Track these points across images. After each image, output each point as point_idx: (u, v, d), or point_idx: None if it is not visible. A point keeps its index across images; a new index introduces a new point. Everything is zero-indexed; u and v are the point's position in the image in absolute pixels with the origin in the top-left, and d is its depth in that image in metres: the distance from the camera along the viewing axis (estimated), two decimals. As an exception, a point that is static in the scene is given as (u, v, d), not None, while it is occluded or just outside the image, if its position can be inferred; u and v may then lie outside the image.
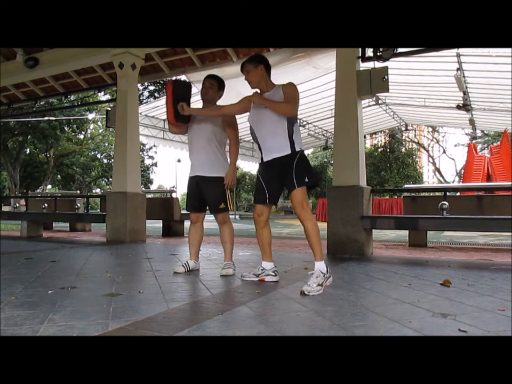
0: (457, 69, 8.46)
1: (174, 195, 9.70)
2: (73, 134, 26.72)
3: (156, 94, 21.62)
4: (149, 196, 9.40)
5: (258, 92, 2.77)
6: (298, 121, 2.74)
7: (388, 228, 4.82)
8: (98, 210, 12.36)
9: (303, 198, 2.58)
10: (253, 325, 1.76)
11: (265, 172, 2.74)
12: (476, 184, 10.27)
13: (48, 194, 14.82)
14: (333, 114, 4.97)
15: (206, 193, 3.09)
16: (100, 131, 29.96)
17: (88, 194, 25.41)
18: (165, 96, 15.11)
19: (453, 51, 7.78)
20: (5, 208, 13.16)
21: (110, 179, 26.39)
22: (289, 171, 2.58)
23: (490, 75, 8.94)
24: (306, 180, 2.58)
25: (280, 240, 6.48)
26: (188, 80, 3.04)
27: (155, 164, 34.46)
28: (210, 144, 3.07)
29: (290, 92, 2.63)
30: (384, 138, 28.54)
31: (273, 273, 2.79)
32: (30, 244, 5.74)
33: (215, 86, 3.14)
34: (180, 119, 3.09)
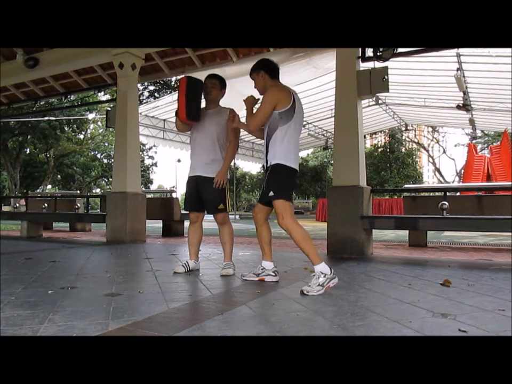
0: (457, 69, 8.46)
1: (174, 195, 9.71)
2: (73, 134, 26.73)
3: (156, 94, 21.63)
4: (149, 196, 9.39)
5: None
6: (289, 124, 2.58)
7: (387, 228, 4.83)
8: (98, 210, 12.36)
9: (282, 209, 2.55)
10: (253, 325, 1.76)
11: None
12: (476, 184, 10.26)
13: (48, 194, 14.82)
14: (333, 114, 4.97)
15: (205, 193, 3.08)
16: (100, 131, 29.96)
17: (88, 194, 25.41)
18: (165, 96, 14.91)
19: (453, 51, 7.78)
20: (5, 208, 13.14)
21: (110, 179, 26.39)
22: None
23: (490, 75, 8.94)
24: (271, 193, 2.56)
25: (280, 240, 6.47)
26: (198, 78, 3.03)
27: (155, 164, 34.46)
28: (214, 145, 3.06)
29: (261, 103, 2.64)
30: (384, 138, 28.51)
31: (273, 273, 2.79)
32: (30, 243, 5.74)
33: (217, 85, 3.14)
34: (191, 117, 3.06)
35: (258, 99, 2.76)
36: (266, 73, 2.72)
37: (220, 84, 3.15)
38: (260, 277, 2.79)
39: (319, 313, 1.94)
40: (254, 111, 2.71)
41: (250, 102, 2.75)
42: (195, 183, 3.12)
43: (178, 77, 6.86)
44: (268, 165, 2.62)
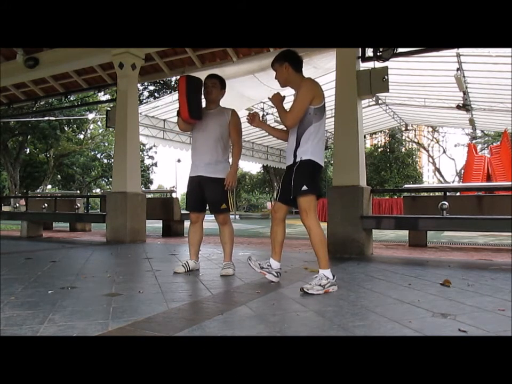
0: (457, 69, 8.46)
1: (174, 195, 9.70)
2: (73, 134, 26.69)
3: (156, 94, 21.64)
4: (149, 195, 9.39)
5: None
6: (321, 122, 2.55)
7: (388, 228, 4.82)
8: (98, 210, 12.36)
9: (306, 206, 2.51)
10: (253, 325, 1.76)
11: (284, 174, 2.73)
12: (476, 184, 10.26)
13: (48, 194, 14.81)
14: (333, 114, 4.97)
15: (208, 193, 3.09)
16: (100, 131, 29.93)
17: (88, 194, 25.40)
18: (165, 96, 14.88)
19: (453, 51, 7.79)
20: (5, 208, 13.14)
21: (110, 179, 26.38)
22: (290, 179, 2.56)
23: (490, 75, 8.94)
24: (305, 188, 2.50)
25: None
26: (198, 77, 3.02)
27: (155, 164, 34.43)
28: (217, 146, 3.06)
29: (296, 97, 2.55)
30: (384, 138, 28.50)
31: (275, 273, 2.76)
32: (30, 243, 5.74)
33: (217, 85, 3.13)
34: (193, 116, 3.03)
35: (285, 96, 2.68)
36: (290, 65, 2.61)
37: (220, 83, 3.15)
38: (262, 271, 2.74)
39: (319, 313, 1.94)
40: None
41: (278, 99, 2.64)
42: (197, 183, 3.12)
43: (178, 77, 6.86)
44: (297, 160, 2.55)
